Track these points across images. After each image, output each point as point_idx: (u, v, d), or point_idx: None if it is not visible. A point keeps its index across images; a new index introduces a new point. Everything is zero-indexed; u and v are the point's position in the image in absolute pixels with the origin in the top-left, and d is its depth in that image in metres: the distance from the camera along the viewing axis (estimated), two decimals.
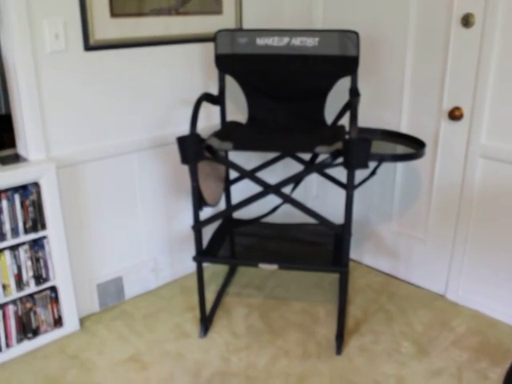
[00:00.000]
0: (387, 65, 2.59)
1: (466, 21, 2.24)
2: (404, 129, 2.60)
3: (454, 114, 2.35)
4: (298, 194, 3.08)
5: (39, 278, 2.22)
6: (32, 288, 2.20)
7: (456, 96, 2.36)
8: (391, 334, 2.35)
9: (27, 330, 2.23)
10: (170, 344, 2.29)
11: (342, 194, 2.97)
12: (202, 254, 2.26)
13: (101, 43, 2.22)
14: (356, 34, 2.30)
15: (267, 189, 2.12)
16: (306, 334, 2.35)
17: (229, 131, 2.32)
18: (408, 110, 2.57)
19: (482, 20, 2.20)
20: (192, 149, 2.05)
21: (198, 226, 2.19)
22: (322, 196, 3.13)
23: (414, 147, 2.31)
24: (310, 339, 2.31)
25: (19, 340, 2.22)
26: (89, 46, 2.19)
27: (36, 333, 2.26)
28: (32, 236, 2.15)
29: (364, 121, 2.76)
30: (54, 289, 2.27)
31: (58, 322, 2.32)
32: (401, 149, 2.32)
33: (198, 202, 2.18)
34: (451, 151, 2.44)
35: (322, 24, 2.81)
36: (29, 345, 2.25)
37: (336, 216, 2.99)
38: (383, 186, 2.78)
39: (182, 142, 2.05)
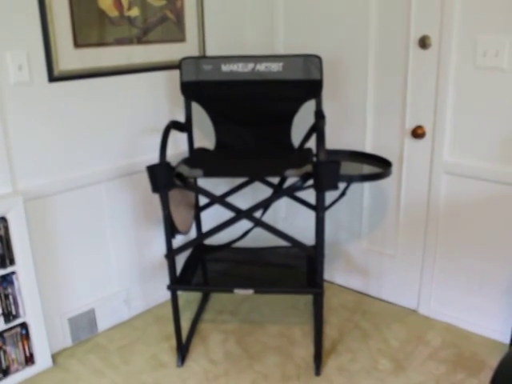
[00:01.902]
0: (349, 87, 2.66)
1: (423, 43, 2.32)
2: (369, 148, 2.66)
3: (417, 133, 2.42)
4: (267, 217, 3.10)
5: (9, 316, 2.15)
6: (1, 326, 2.14)
7: (418, 115, 2.43)
8: (368, 351, 2.37)
9: None
10: (147, 375, 2.25)
11: (310, 214, 3.01)
12: (176, 283, 2.24)
13: (65, 74, 2.21)
14: (319, 58, 2.35)
15: (239, 214, 2.13)
16: (284, 357, 2.34)
17: (198, 158, 2.33)
18: (372, 130, 2.63)
19: (438, 41, 2.29)
20: (162, 177, 2.04)
21: (171, 254, 2.18)
22: (291, 217, 3.15)
23: (380, 166, 2.36)
24: (288, 362, 2.31)
25: None
26: (53, 77, 2.17)
27: (6, 373, 2.19)
28: (0, 272, 2.09)
29: (329, 142, 2.81)
30: (24, 325, 2.21)
31: (29, 359, 2.25)
32: (368, 169, 2.36)
33: (170, 230, 2.17)
34: (416, 168, 2.50)
35: (284, 49, 2.87)
36: None
37: (305, 237, 3.02)
38: (351, 205, 2.83)
39: (152, 170, 2.04)
